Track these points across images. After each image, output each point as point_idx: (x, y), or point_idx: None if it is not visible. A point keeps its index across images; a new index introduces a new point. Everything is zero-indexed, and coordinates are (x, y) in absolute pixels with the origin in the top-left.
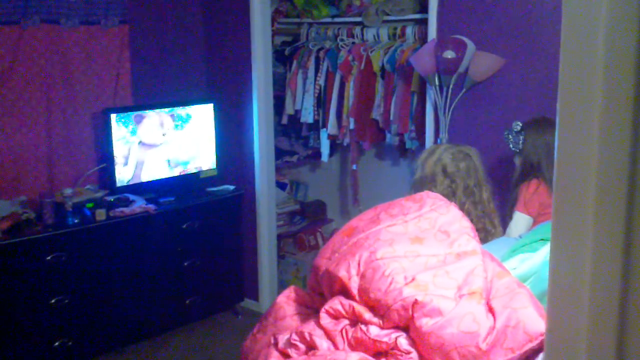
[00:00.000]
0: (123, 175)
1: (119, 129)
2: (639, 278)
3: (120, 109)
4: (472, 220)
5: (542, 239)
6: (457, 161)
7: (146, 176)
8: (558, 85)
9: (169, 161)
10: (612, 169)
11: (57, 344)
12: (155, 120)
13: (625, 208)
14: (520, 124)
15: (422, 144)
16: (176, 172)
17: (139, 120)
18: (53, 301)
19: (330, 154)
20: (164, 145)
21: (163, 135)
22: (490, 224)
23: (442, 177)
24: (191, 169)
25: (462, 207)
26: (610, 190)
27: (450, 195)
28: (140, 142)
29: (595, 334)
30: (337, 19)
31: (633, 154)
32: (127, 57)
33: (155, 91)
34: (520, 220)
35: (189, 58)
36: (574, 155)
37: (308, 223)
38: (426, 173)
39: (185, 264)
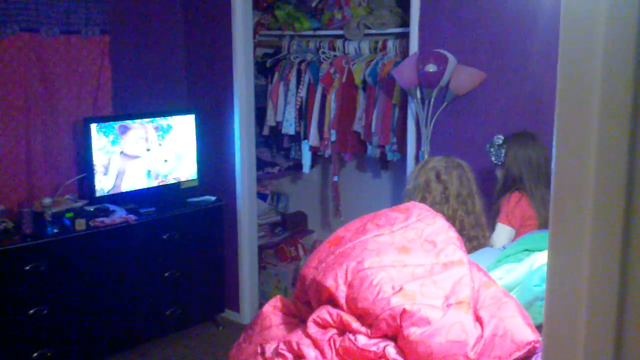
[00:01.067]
0: (103, 184)
1: (100, 138)
2: (636, 282)
3: (101, 119)
4: (464, 228)
5: (526, 250)
6: (450, 168)
7: (126, 186)
8: (556, 92)
9: (149, 172)
10: (609, 175)
11: (35, 354)
12: (141, 133)
13: (622, 214)
14: (502, 138)
15: (404, 157)
16: (157, 182)
17: (123, 131)
18: (32, 311)
19: (312, 166)
20: (146, 156)
21: (147, 150)
22: (482, 234)
23: (435, 184)
24: (172, 179)
25: (454, 214)
26: (608, 195)
27: (444, 201)
28: (121, 153)
29: (592, 339)
30: (318, 32)
31: (630, 160)
32: (108, 67)
33: (135, 101)
34: (502, 232)
35: (170, 68)
36: (571, 161)
37: (289, 234)
38: (419, 181)
39: (166, 274)
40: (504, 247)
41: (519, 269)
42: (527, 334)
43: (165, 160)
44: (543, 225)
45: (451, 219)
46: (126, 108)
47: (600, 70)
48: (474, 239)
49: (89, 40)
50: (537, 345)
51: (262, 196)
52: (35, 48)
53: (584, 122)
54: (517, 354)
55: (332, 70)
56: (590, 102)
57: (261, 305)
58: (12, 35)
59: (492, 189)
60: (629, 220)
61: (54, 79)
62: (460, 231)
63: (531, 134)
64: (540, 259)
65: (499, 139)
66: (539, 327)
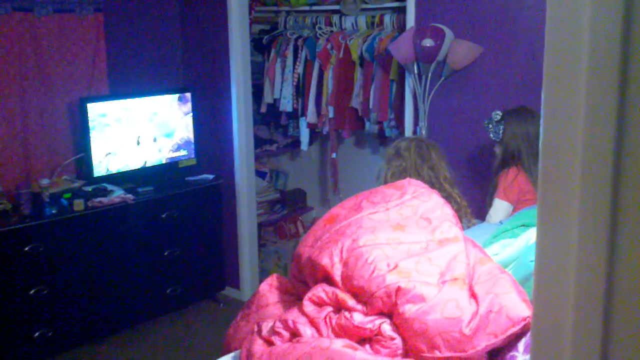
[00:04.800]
0: (102, 166)
1: (99, 117)
2: (623, 261)
3: (97, 98)
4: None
5: (523, 225)
6: (409, 143)
7: (123, 166)
8: (543, 72)
9: (147, 150)
10: (597, 153)
11: (37, 334)
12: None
13: (610, 194)
14: (500, 114)
15: (402, 132)
16: (154, 161)
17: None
18: (32, 292)
19: (310, 143)
20: (143, 134)
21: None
22: (456, 207)
23: (395, 159)
24: (170, 158)
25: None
26: (596, 173)
27: (402, 174)
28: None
29: (580, 318)
30: (315, 7)
31: (617, 139)
32: (103, 45)
33: (131, 80)
34: (500, 207)
35: (165, 47)
36: (559, 140)
37: (288, 211)
38: (384, 161)
39: (166, 253)
40: (500, 223)
41: (515, 245)
42: (522, 310)
43: (155, 139)
44: None
45: None
46: (122, 87)
47: (586, 52)
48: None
49: (83, 19)
50: None
51: (260, 174)
52: (28, 27)
53: (571, 99)
54: (513, 330)
55: (329, 46)
56: (577, 74)
57: (261, 283)
58: (5, 14)
59: (489, 165)
60: (616, 199)
61: (48, 59)
62: None
63: (529, 109)
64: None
65: (497, 115)
66: None
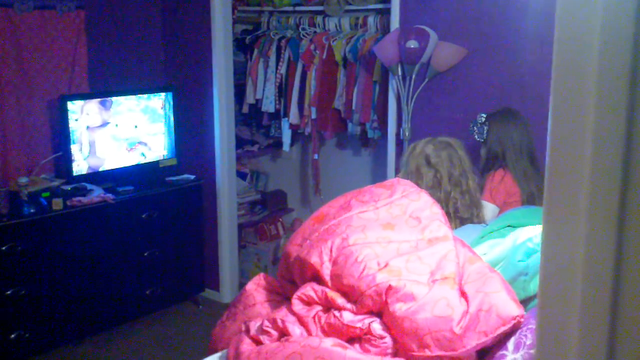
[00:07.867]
0: (81, 165)
1: (78, 115)
2: (631, 258)
3: (77, 96)
4: (458, 210)
5: (509, 226)
6: (439, 150)
7: (104, 165)
8: (552, 67)
9: (128, 147)
10: (606, 149)
11: (13, 336)
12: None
13: (618, 188)
14: (485, 116)
15: (384, 134)
16: (135, 160)
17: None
18: (9, 292)
19: (292, 144)
20: (123, 133)
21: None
22: (476, 215)
23: (426, 169)
24: (150, 157)
25: (448, 197)
26: (604, 169)
27: (437, 185)
28: (87, 127)
29: (587, 319)
30: (298, 8)
31: (627, 134)
32: (84, 43)
33: (112, 78)
34: (486, 209)
35: (147, 45)
36: (568, 135)
37: (269, 213)
38: (410, 169)
39: (145, 254)
40: (486, 224)
41: (503, 245)
42: (512, 309)
43: (136, 126)
44: (526, 200)
45: (445, 202)
46: (103, 85)
47: (596, 52)
48: (468, 220)
49: (64, 15)
50: (522, 320)
51: (241, 175)
52: (8, 24)
53: (581, 93)
54: (503, 329)
55: (312, 47)
56: (587, 69)
57: (241, 285)
58: None
59: (476, 167)
60: (624, 200)
61: (28, 56)
62: (455, 213)
63: (512, 110)
64: (524, 234)
65: (482, 117)
66: (522, 302)
